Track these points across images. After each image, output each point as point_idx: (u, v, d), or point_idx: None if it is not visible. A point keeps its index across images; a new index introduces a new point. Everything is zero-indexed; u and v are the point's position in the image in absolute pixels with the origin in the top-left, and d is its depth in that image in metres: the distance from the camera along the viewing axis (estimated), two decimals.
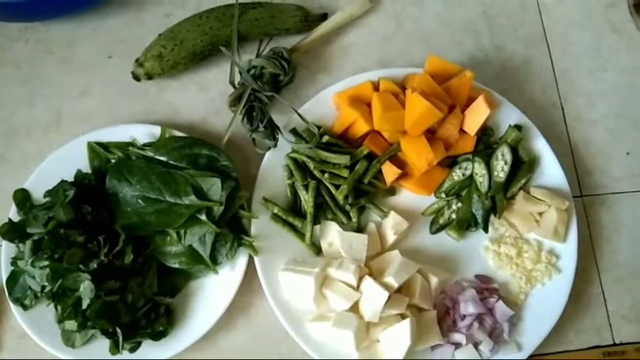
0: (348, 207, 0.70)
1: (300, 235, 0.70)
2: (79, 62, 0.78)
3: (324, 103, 0.74)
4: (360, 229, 0.71)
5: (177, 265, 0.67)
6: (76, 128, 0.74)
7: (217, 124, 0.75)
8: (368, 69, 0.76)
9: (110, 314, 0.62)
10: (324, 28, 0.78)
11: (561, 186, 0.73)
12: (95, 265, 0.63)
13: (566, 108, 0.81)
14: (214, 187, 0.65)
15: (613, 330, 0.72)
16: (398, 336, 0.63)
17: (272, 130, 0.70)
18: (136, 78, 0.75)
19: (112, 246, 0.64)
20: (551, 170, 0.74)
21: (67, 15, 0.79)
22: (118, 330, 0.62)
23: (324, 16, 0.80)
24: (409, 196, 0.73)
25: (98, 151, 0.71)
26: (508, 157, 0.71)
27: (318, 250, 0.70)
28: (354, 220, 0.71)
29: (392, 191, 0.74)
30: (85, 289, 0.62)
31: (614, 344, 0.72)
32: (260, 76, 0.72)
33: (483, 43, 0.82)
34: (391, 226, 0.70)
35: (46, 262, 0.62)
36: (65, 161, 0.71)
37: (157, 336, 0.65)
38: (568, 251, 0.71)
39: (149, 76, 0.74)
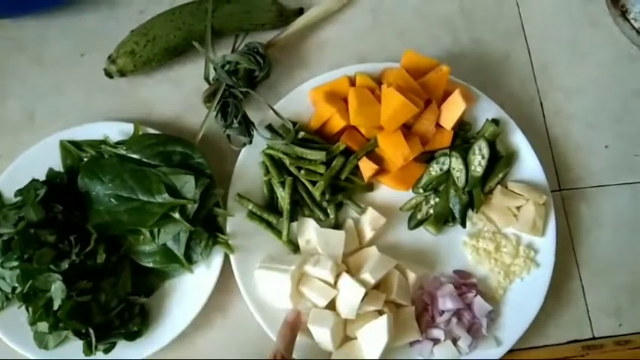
0: (325, 203, 0.70)
1: (277, 232, 0.69)
2: (51, 60, 0.77)
3: (301, 98, 0.73)
4: (337, 226, 0.71)
5: (151, 265, 0.66)
6: (49, 127, 0.73)
7: (192, 121, 0.74)
8: (345, 64, 0.75)
9: (82, 315, 0.61)
10: (300, 22, 0.77)
11: (539, 180, 0.73)
12: (66, 266, 0.62)
13: (545, 102, 0.80)
14: (188, 185, 0.65)
15: (592, 324, 0.72)
16: (375, 333, 0.63)
17: (247, 126, 0.69)
18: (109, 75, 0.74)
19: (84, 246, 0.63)
20: (529, 164, 0.73)
21: (38, 12, 0.77)
22: (91, 331, 0.61)
23: (300, 11, 0.79)
24: (387, 192, 0.73)
25: (70, 149, 0.70)
26: (485, 151, 0.70)
27: (295, 247, 0.70)
28: (332, 216, 0.70)
29: (370, 187, 0.73)
30: (57, 289, 0.61)
31: (594, 338, 0.72)
32: (235, 71, 0.71)
33: (461, 37, 0.82)
34: (369, 222, 0.70)
35: (16, 263, 0.61)
36: (37, 160, 0.69)
37: (132, 336, 0.64)
38: (546, 245, 0.70)
39: (122, 73, 0.73)
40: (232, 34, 0.75)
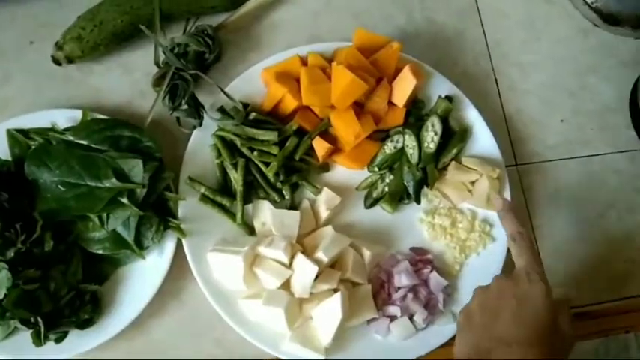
0: (279, 185, 0.69)
1: (231, 215, 0.69)
2: None
3: (253, 80, 0.73)
4: (293, 207, 0.70)
5: (101, 251, 0.65)
6: None
7: (143, 106, 0.73)
8: (299, 45, 0.75)
9: (30, 303, 0.60)
10: (250, 4, 0.76)
11: (494, 155, 0.73)
12: (12, 254, 0.60)
13: (500, 78, 0.81)
14: (136, 169, 0.64)
15: None
16: (329, 311, 0.63)
17: (196, 109, 0.68)
18: (57, 62, 0.72)
19: (31, 233, 0.62)
20: (483, 140, 0.73)
21: None
22: (40, 319, 0.60)
23: None
24: (343, 172, 0.73)
25: (18, 137, 0.68)
26: (438, 127, 0.70)
27: (251, 230, 0.69)
28: (287, 197, 0.70)
29: (325, 168, 0.73)
30: (2, 278, 0.60)
31: None
32: (184, 54, 0.71)
33: (414, 16, 0.82)
34: (324, 202, 0.69)
35: None
36: None
37: (83, 324, 0.63)
38: None
39: (70, 60, 0.72)
40: (183, 18, 0.74)
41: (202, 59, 0.72)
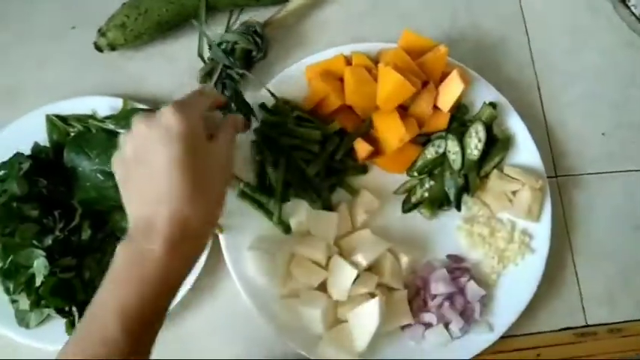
0: (318, 184, 0.68)
1: (269, 213, 0.68)
2: (40, 33, 0.75)
3: (296, 77, 0.71)
4: (330, 208, 0.69)
5: None
6: (35, 101, 0.70)
7: None
8: (343, 44, 0.74)
9: (65, 292, 0.60)
10: (298, 1, 0.75)
11: (536, 165, 0.72)
12: (50, 242, 0.60)
13: (543, 88, 0.79)
14: None
15: (585, 311, 0.71)
16: (366, 315, 0.62)
17: (246, 113, 0.67)
18: (99, 49, 0.71)
19: (69, 221, 0.61)
20: (525, 149, 0.72)
21: None
22: (74, 308, 0.60)
23: None
24: (381, 175, 0.72)
25: (57, 123, 0.68)
26: (482, 134, 0.69)
27: (286, 228, 0.68)
28: (324, 198, 0.69)
29: (363, 169, 0.72)
30: (39, 265, 0.59)
31: (587, 325, 0.71)
32: (232, 51, 0.69)
33: (459, 20, 0.80)
34: (362, 204, 0.68)
35: None
36: (22, 134, 0.67)
37: None
38: (541, 231, 0.69)
39: (112, 47, 0.71)
40: (227, 9, 0.73)
41: (250, 57, 0.71)
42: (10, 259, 0.59)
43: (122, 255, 0.46)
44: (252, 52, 0.71)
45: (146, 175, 0.46)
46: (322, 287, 0.64)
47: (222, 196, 0.51)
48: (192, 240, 0.47)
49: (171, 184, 0.45)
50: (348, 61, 0.72)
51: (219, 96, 0.57)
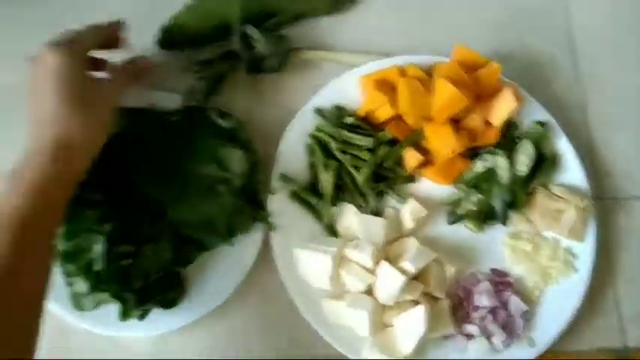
0: (367, 190, 0.70)
1: (318, 214, 0.69)
2: None
3: (347, 84, 0.73)
4: (377, 214, 0.70)
5: (192, 235, 0.66)
6: None
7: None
8: (393, 54, 0.76)
9: (123, 279, 0.61)
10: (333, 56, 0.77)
11: (581, 186, 0.72)
12: (110, 227, 0.62)
13: (590, 108, 0.80)
14: (236, 159, 0.65)
15: (625, 333, 0.71)
16: (413, 322, 0.63)
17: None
18: None
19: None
20: (571, 169, 0.73)
21: None
22: (131, 295, 0.61)
23: None
24: (428, 185, 0.73)
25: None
26: (531, 152, 0.70)
27: (334, 232, 0.70)
28: (372, 204, 0.70)
29: (411, 179, 0.73)
30: (98, 250, 0.61)
31: (626, 347, 0.71)
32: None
33: (508, 37, 0.82)
34: (409, 212, 0.70)
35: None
36: None
37: (168, 304, 0.64)
38: (585, 251, 0.70)
39: None
40: (285, 16, 0.76)
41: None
42: (72, 242, 0.61)
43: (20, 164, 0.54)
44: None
45: (36, 103, 0.57)
46: (368, 291, 0.65)
47: (102, 120, 0.59)
48: (75, 150, 0.56)
49: (52, 109, 0.55)
50: (402, 72, 0.74)
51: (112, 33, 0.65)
